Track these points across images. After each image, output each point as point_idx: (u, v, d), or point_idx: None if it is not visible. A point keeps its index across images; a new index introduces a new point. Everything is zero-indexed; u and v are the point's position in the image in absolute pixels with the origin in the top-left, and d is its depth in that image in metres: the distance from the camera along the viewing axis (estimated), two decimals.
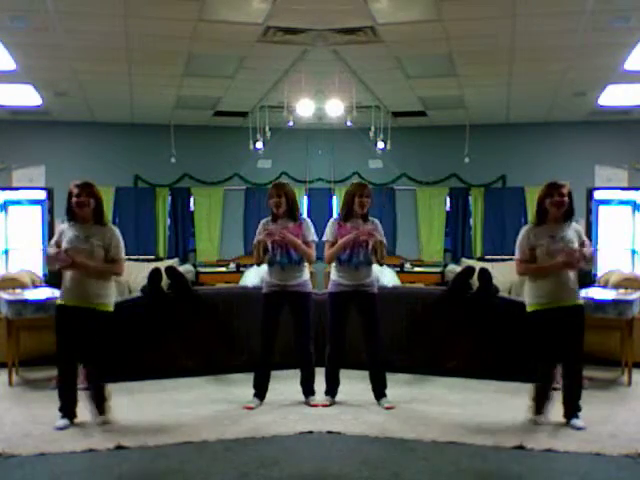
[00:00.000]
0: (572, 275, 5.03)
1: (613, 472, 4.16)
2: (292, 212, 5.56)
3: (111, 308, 5.05)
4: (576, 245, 4.97)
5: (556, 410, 5.23)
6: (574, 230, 5.06)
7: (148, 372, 6.33)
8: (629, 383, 6.23)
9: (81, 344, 4.99)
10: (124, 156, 12.19)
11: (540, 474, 4.15)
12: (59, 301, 5.05)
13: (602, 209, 12.35)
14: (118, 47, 7.81)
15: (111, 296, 5.08)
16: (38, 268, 11.30)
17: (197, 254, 12.60)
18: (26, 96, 10.01)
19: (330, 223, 5.67)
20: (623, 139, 11.90)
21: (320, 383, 5.68)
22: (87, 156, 12.06)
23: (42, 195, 12.18)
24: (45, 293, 6.69)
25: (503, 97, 10.36)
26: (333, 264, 5.61)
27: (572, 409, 5.03)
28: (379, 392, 5.55)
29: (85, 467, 4.22)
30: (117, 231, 5.13)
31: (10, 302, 6.25)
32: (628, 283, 7.01)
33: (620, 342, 6.41)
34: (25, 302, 6.28)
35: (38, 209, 12.34)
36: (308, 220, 5.69)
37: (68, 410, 5.00)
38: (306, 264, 5.62)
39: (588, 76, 9.11)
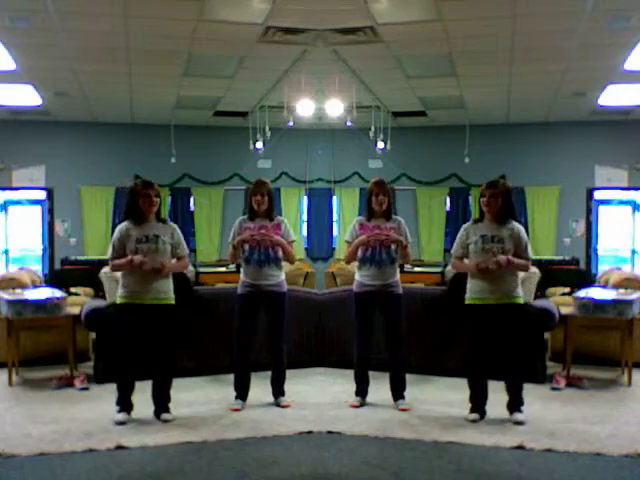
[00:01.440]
0: (510, 273, 5.00)
1: (613, 472, 4.16)
2: (271, 211, 5.53)
3: (174, 301, 5.14)
4: (507, 246, 4.95)
5: (557, 410, 5.24)
6: (511, 231, 5.02)
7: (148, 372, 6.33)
8: (629, 383, 6.22)
9: (150, 340, 5.03)
10: (124, 156, 12.20)
11: (540, 474, 4.14)
12: (121, 299, 5.06)
13: (602, 209, 12.36)
14: (118, 47, 7.82)
15: (173, 290, 5.16)
16: (38, 268, 11.33)
17: (197, 254, 12.60)
18: (26, 96, 10.02)
19: (352, 223, 5.62)
20: (623, 139, 11.91)
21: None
22: (87, 156, 12.08)
23: (42, 195, 12.19)
24: (45, 293, 6.69)
25: (503, 97, 10.36)
26: (356, 264, 5.53)
27: (514, 403, 5.06)
28: (398, 393, 5.48)
29: (85, 467, 4.22)
30: (178, 228, 5.23)
31: (10, 302, 6.24)
32: (628, 283, 7.00)
33: (620, 342, 6.40)
34: (25, 302, 6.27)
35: (38, 209, 12.35)
36: (285, 220, 5.64)
37: (127, 404, 5.07)
38: (283, 263, 5.57)
39: (588, 76, 9.11)
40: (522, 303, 5.08)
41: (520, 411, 5.04)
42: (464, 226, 5.23)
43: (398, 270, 5.52)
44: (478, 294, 5.03)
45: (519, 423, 4.94)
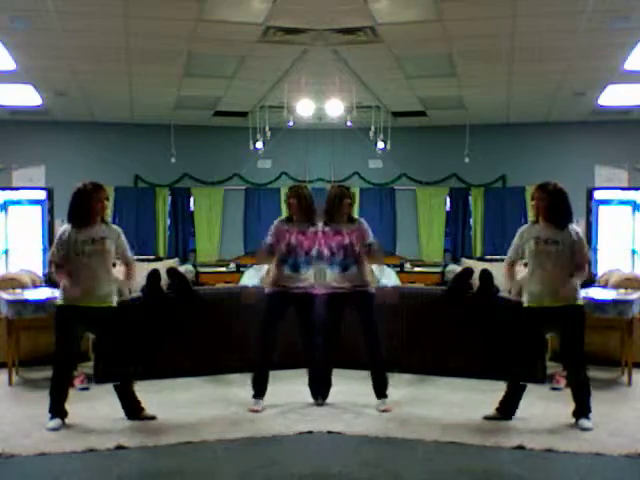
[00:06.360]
0: (567, 276, 4.99)
1: (613, 472, 4.16)
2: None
3: (115, 304, 5.12)
4: (562, 248, 4.93)
5: (557, 410, 5.24)
6: (568, 233, 4.98)
7: (148, 372, 6.33)
8: (629, 383, 6.23)
9: (100, 344, 5.12)
10: (124, 156, 12.20)
11: (540, 474, 4.15)
12: (62, 302, 5.03)
13: (602, 209, 12.35)
14: (118, 47, 7.82)
15: (115, 294, 5.15)
16: (38, 268, 11.31)
17: (197, 254, 12.61)
18: (26, 96, 10.02)
19: None
20: (623, 139, 11.91)
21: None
22: (87, 156, 12.06)
23: (42, 195, 12.18)
24: (45, 293, 6.69)
25: (503, 97, 10.36)
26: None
27: (579, 410, 4.98)
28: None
29: (85, 467, 4.23)
30: (122, 232, 5.21)
31: (10, 302, 6.24)
32: (628, 283, 7.00)
33: (620, 342, 6.40)
34: (25, 302, 6.28)
35: (38, 209, 12.34)
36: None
37: (61, 410, 4.97)
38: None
39: (588, 76, 9.11)
40: (581, 305, 5.06)
41: (588, 418, 4.91)
42: (520, 229, 5.21)
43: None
44: (536, 298, 5.01)
45: (585, 429, 4.82)
